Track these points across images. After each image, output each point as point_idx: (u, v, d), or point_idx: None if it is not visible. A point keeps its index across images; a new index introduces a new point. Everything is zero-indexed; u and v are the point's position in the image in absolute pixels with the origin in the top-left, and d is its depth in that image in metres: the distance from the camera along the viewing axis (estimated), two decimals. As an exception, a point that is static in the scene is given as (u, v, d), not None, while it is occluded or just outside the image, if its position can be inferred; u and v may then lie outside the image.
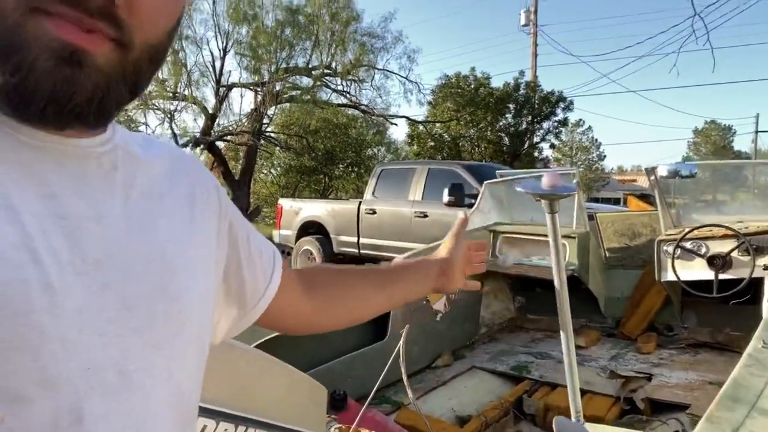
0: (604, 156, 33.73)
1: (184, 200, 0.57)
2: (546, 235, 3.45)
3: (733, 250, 2.77)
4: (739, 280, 2.74)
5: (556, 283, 1.05)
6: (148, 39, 0.44)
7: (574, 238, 3.29)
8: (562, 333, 1.10)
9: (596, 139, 32.50)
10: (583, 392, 2.67)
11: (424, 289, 0.90)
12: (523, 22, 20.55)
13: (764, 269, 2.60)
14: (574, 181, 3.28)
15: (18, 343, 0.38)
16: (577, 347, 3.20)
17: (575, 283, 3.41)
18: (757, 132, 32.90)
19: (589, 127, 32.26)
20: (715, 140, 39.23)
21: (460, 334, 3.40)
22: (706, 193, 3.67)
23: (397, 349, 1.51)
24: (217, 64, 13.48)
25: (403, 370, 1.33)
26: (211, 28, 13.53)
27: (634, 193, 7.33)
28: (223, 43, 13.42)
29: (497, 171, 4.14)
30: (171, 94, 13.10)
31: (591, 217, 3.56)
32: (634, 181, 32.31)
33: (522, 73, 17.74)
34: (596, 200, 28.00)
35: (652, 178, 3.06)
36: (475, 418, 2.48)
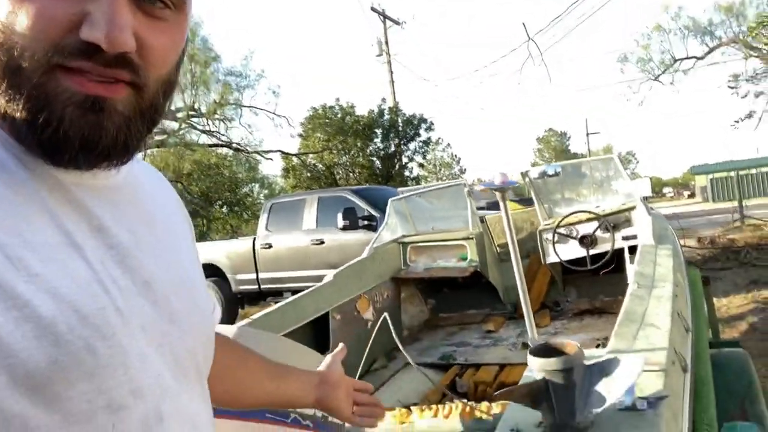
0: (465, 170, 36.33)
1: (180, 220, 0.65)
2: (446, 240, 3.93)
3: (596, 229, 3.44)
4: (605, 253, 3.40)
5: (510, 249, 1.43)
6: (160, 75, 0.49)
7: (472, 239, 3.81)
8: (516, 274, 1.48)
9: (456, 155, 34.93)
10: (503, 366, 3.14)
11: (305, 393, 0.90)
12: (377, 52, 21.75)
13: (623, 239, 3.28)
14: (465, 190, 3.82)
15: (112, 362, 0.45)
16: (487, 332, 3.71)
17: (477, 278, 3.92)
18: (588, 134, 37.52)
19: (449, 144, 34.59)
20: (554, 146, 43.98)
21: (387, 339, 3.74)
22: (556, 192, 4.40)
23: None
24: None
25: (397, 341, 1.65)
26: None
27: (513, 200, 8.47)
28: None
29: (399, 189, 4.59)
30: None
31: (482, 220, 4.11)
32: (494, 189, 35.02)
33: (384, 100, 18.78)
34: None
35: (527, 179, 3.68)
36: (420, 404, 2.82)
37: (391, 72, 21.29)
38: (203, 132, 14.93)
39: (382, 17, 21.47)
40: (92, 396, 0.43)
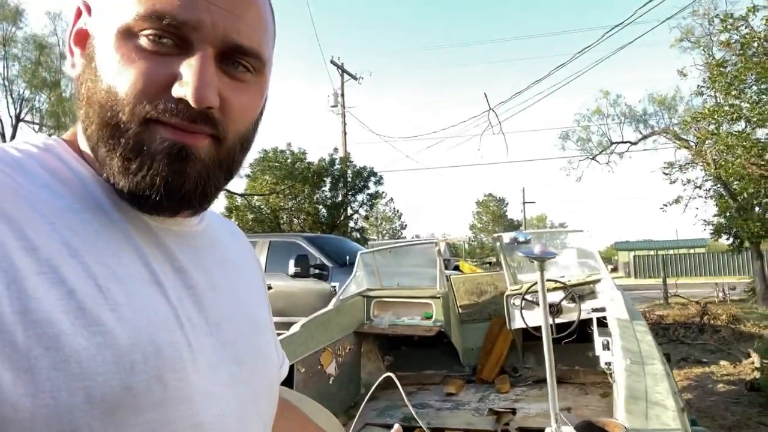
0: (406, 225, 36.80)
1: (252, 269, 0.69)
2: (411, 297, 3.91)
3: (563, 299, 3.51)
4: (570, 323, 3.47)
5: (543, 325, 1.42)
6: (238, 130, 0.53)
7: (438, 298, 3.80)
8: (546, 356, 1.47)
9: (398, 210, 35.39)
10: (467, 432, 3.08)
11: None
12: (332, 103, 22.09)
13: (593, 311, 3.37)
14: (436, 249, 3.83)
15: (179, 395, 0.46)
16: (448, 394, 3.65)
17: (437, 338, 3.89)
18: (524, 203, 39.12)
19: (391, 199, 35.04)
20: (493, 210, 45.50)
21: (347, 395, 3.60)
22: (521, 258, 4.50)
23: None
24: (8, 132, 12.03)
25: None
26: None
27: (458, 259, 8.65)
28: (16, 109, 12.08)
29: (369, 242, 4.54)
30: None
31: (447, 279, 4.12)
32: (433, 247, 35.66)
33: (336, 149, 18.94)
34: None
35: (498, 244, 3.75)
36: None
37: (345, 124, 21.63)
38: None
39: (340, 71, 21.96)
40: (156, 426, 0.45)
